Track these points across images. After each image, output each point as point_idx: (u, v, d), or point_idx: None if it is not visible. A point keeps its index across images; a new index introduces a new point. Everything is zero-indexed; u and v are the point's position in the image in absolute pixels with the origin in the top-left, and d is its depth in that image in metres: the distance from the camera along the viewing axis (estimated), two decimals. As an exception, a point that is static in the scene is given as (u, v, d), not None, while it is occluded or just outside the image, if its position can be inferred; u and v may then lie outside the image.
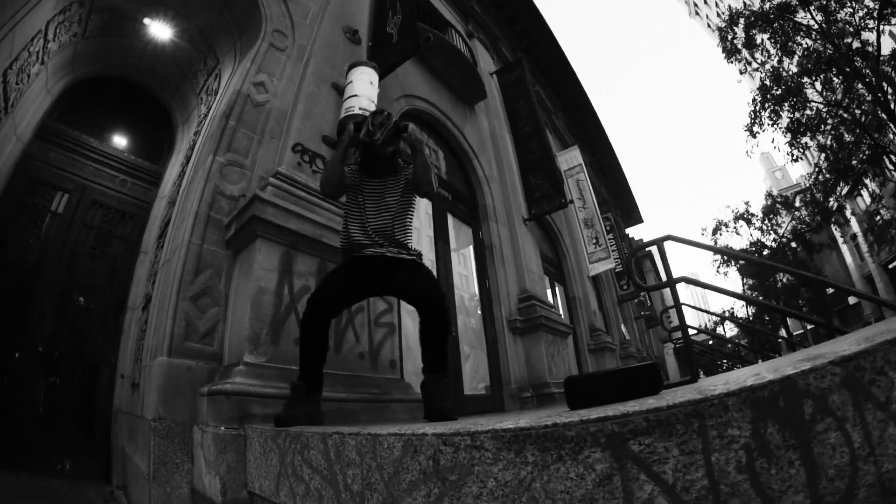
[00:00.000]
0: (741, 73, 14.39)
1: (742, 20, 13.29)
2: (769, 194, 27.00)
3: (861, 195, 24.84)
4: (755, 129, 13.64)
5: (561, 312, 8.07)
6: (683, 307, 6.39)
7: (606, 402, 1.19)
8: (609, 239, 9.75)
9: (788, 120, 13.02)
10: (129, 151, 5.32)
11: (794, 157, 13.58)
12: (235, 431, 1.99)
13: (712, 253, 26.68)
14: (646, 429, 0.91)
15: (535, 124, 8.20)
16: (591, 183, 10.37)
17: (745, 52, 13.71)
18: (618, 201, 19.66)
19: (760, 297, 26.21)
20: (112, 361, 4.32)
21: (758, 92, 13.41)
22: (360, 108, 3.52)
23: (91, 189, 4.82)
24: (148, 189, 5.30)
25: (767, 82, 12.99)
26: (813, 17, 12.17)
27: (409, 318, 4.51)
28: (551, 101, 13.27)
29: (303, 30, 4.60)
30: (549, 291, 8.14)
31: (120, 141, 5.33)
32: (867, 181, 17.69)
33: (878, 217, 19.40)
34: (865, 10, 11.67)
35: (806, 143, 13.34)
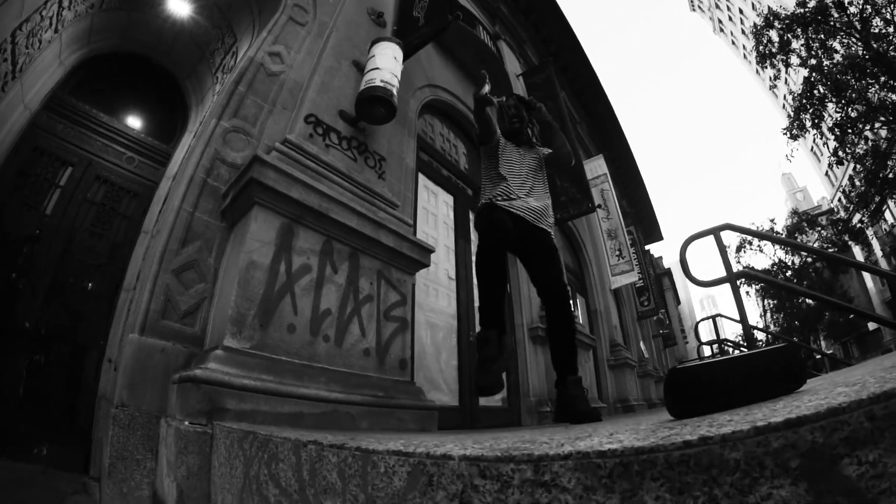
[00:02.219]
0: (774, 77, 13.95)
1: (777, 23, 12.87)
2: (795, 212, 26.34)
3: (884, 217, 24.12)
4: (794, 131, 13.12)
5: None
6: (718, 318, 5.83)
7: (729, 404, 0.80)
8: (632, 252, 9.32)
9: (838, 116, 12.52)
10: (141, 130, 5.12)
11: (839, 159, 13.06)
12: (202, 428, 1.63)
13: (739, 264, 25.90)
14: (870, 434, 0.52)
15: (563, 126, 7.86)
16: (614, 194, 10.00)
17: (779, 57, 13.25)
18: (639, 216, 19.13)
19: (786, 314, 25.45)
20: (102, 345, 4.04)
21: (803, 87, 12.92)
22: (382, 81, 3.23)
23: (96, 164, 4.61)
24: (156, 169, 5.08)
25: (813, 78, 12.49)
26: (849, 19, 11.74)
27: (422, 315, 4.18)
28: (575, 110, 12.93)
29: (325, 7, 4.35)
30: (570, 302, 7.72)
31: (131, 118, 5.13)
32: (890, 202, 17.15)
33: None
34: None
35: (853, 140, 12.75)
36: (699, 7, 49.60)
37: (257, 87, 3.13)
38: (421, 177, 4.89)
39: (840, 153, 12.89)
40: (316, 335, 2.30)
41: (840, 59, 12.11)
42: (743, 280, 25.71)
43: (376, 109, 3.23)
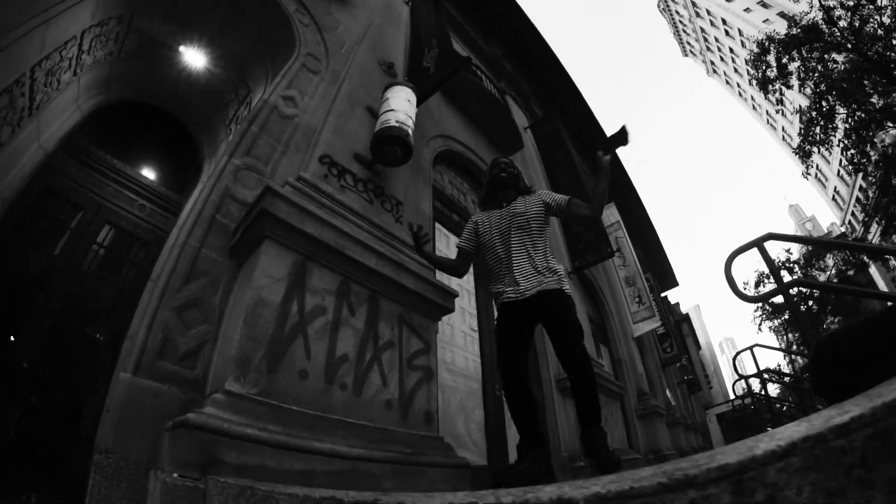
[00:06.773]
0: (778, 102, 13.93)
1: (773, 47, 12.95)
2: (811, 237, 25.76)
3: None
4: (807, 147, 12.95)
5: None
6: (756, 349, 5.03)
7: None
8: (651, 298, 9.08)
9: (848, 123, 12.26)
10: (154, 179, 5.14)
11: (856, 167, 12.83)
12: (192, 482, 1.40)
13: (753, 303, 25.04)
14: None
15: (574, 174, 7.85)
16: (629, 240, 9.88)
17: (779, 82, 13.24)
18: (652, 263, 18.87)
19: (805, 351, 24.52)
20: (102, 394, 3.84)
21: (811, 101, 12.74)
22: (398, 121, 3.20)
23: (106, 209, 4.56)
24: (167, 218, 5.04)
25: (819, 90, 12.27)
26: (841, 33, 11.80)
27: (443, 370, 3.95)
28: (583, 160, 13.08)
29: (337, 58, 4.43)
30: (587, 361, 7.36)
31: (145, 167, 5.16)
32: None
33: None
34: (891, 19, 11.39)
35: (874, 142, 12.40)
36: (691, 52, 51.24)
37: (271, 128, 3.10)
38: (438, 225, 4.81)
39: (857, 159, 12.63)
40: (331, 383, 2.09)
41: (843, 68, 12.08)
42: (762, 316, 24.56)
43: (392, 150, 3.18)
